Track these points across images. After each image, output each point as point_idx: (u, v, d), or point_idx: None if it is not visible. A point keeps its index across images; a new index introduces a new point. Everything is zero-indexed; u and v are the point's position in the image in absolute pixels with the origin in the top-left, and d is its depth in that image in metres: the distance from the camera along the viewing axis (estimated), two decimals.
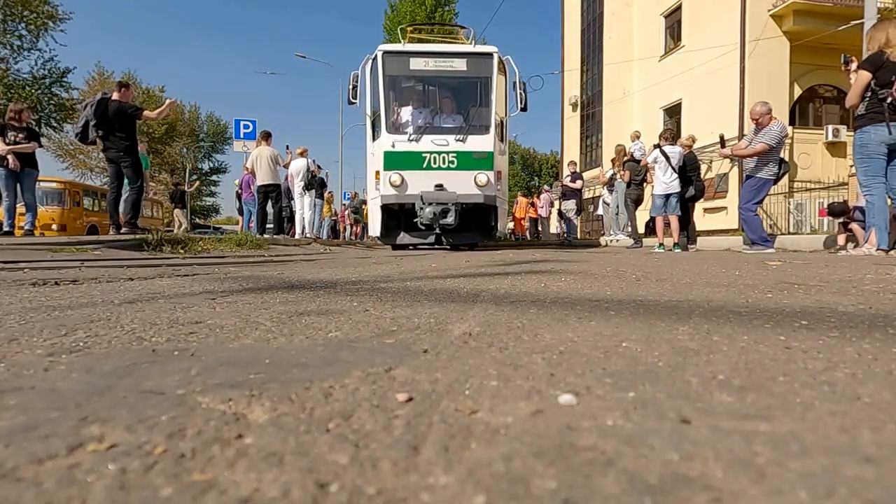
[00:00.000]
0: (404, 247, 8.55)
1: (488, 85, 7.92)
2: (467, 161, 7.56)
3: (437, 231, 7.60)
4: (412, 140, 7.60)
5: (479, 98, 8.06)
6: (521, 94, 8.34)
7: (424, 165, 7.53)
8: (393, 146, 7.59)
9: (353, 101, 8.13)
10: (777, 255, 4.63)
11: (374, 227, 7.97)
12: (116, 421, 0.56)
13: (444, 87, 8.49)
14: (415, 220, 7.53)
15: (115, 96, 6.26)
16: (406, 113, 8.09)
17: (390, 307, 1.43)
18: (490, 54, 8.01)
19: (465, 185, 7.49)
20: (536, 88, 9.70)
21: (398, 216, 7.92)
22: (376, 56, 7.94)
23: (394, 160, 7.57)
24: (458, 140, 7.62)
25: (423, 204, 7.35)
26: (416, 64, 8.00)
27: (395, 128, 7.85)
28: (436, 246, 8.45)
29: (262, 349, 0.92)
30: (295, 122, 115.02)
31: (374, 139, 8.02)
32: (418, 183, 7.48)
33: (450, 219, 7.29)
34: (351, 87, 8.10)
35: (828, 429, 0.53)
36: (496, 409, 0.60)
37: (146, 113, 6.49)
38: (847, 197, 9.54)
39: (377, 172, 7.74)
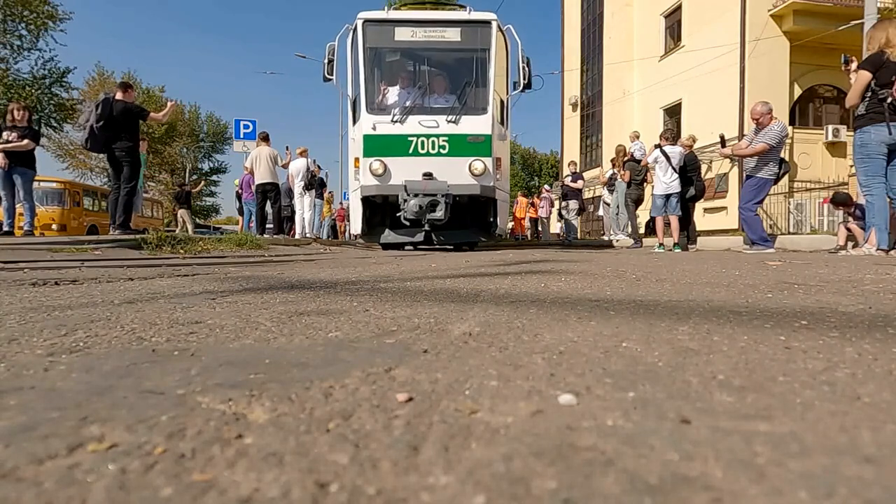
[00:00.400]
0: (398, 246, 7.69)
1: (486, 58, 6.88)
2: (461, 146, 6.59)
3: (426, 227, 6.61)
4: (396, 121, 6.63)
5: (476, 73, 6.95)
6: (524, 68, 7.26)
7: (411, 151, 6.58)
8: (374, 129, 6.64)
9: (329, 77, 7.13)
10: (777, 255, 4.63)
11: (355, 223, 7.17)
12: (116, 421, 0.56)
13: (434, 61, 7.37)
14: (398, 215, 6.61)
15: (118, 96, 6.29)
16: (390, 91, 7.13)
17: (390, 307, 1.43)
18: (488, 22, 6.94)
19: (459, 174, 6.54)
20: (537, 88, 8.98)
21: (382, 211, 7.03)
22: (356, 25, 6.96)
23: (375, 145, 6.63)
24: (450, 121, 6.63)
25: (408, 195, 6.37)
26: (403, 34, 6.98)
27: (378, 108, 6.88)
28: (435, 245, 7.76)
29: (262, 349, 0.92)
30: (295, 122, 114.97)
31: (354, 122, 7.17)
32: (404, 171, 6.54)
33: (439, 213, 6.31)
34: (326, 60, 7.09)
35: (828, 429, 0.53)
36: (496, 409, 0.60)
37: (153, 115, 6.60)
38: None
39: (356, 160, 6.85)
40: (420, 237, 6.86)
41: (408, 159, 6.59)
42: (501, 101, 7.34)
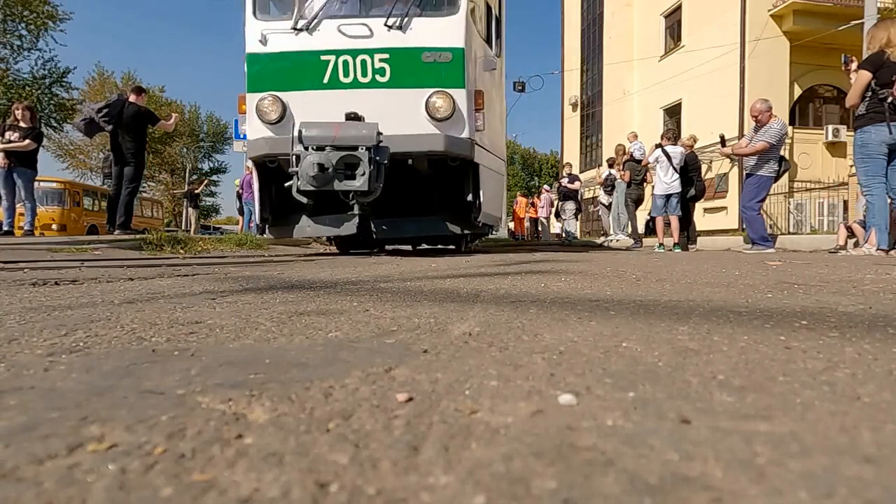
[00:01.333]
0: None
1: None
2: (411, 68, 4.08)
3: (357, 211, 4.09)
4: (301, 30, 4.13)
5: None
6: None
7: (327, 80, 4.11)
8: (264, 42, 4.16)
9: None
10: (777, 255, 4.63)
11: (256, 206, 4.73)
12: (116, 421, 0.56)
13: None
14: (287, 185, 4.09)
15: (131, 98, 6.35)
16: None
17: (390, 307, 1.43)
18: None
19: (408, 117, 4.04)
20: (536, 88, 8.59)
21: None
22: None
23: (266, 71, 4.20)
24: (392, 27, 4.07)
25: (303, 147, 3.81)
26: None
27: (272, 11, 4.41)
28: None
29: (262, 349, 0.92)
30: None
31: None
32: (314, 113, 4.00)
33: (359, 180, 3.76)
34: None
35: (828, 429, 0.53)
36: (496, 409, 0.60)
37: (163, 122, 6.69)
38: (847, 197, 9.54)
39: (241, 99, 4.50)
40: (352, 227, 4.25)
41: (322, 94, 4.13)
42: (487, 5, 4.79)
